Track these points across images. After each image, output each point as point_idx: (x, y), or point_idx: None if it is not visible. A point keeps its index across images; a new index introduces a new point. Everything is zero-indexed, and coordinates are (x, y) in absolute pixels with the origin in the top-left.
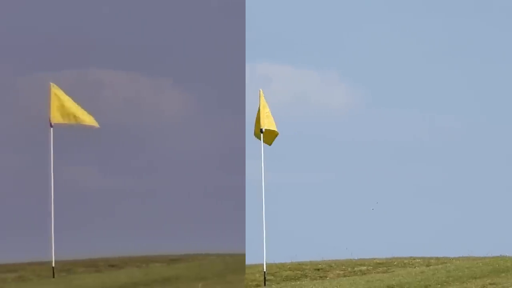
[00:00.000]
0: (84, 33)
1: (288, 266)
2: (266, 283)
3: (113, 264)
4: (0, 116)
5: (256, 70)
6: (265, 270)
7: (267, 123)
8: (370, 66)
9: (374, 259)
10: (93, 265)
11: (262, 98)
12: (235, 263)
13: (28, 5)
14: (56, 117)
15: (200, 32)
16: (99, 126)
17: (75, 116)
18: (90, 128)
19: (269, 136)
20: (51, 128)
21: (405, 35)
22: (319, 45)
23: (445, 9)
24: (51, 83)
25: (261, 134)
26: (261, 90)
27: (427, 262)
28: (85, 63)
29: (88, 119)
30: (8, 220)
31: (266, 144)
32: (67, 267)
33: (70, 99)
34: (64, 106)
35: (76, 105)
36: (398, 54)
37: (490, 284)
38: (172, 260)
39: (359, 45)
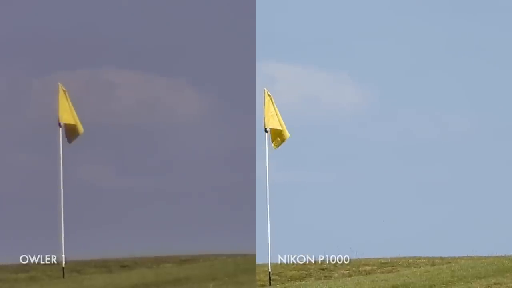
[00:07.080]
0: (98, 33)
1: (293, 266)
2: (272, 283)
3: (124, 265)
4: (14, 116)
5: (265, 70)
6: (270, 270)
7: (271, 123)
8: (380, 66)
9: (379, 259)
10: (104, 266)
11: (267, 98)
12: (246, 263)
13: (43, 6)
14: (64, 117)
15: (211, 32)
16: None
17: (74, 118)
18: (76, 133)
19: (276, 138)
20: (60, 128)
21: (414, 35)
22: (328, 45)
23: (453, 10)
24: (60, 84)
25: (266, 134)
26: (265, 90)
27: (431, 262)
28: (99, 63)
29: (79, 125)
30: (19, 220)
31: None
32: (78, 267)
33: (70, 101)
34: (70, 107)
35: (73, 108)
36: (407, 54)
37: (495, 283)
38: (183, 260)
39: (369, 45)
